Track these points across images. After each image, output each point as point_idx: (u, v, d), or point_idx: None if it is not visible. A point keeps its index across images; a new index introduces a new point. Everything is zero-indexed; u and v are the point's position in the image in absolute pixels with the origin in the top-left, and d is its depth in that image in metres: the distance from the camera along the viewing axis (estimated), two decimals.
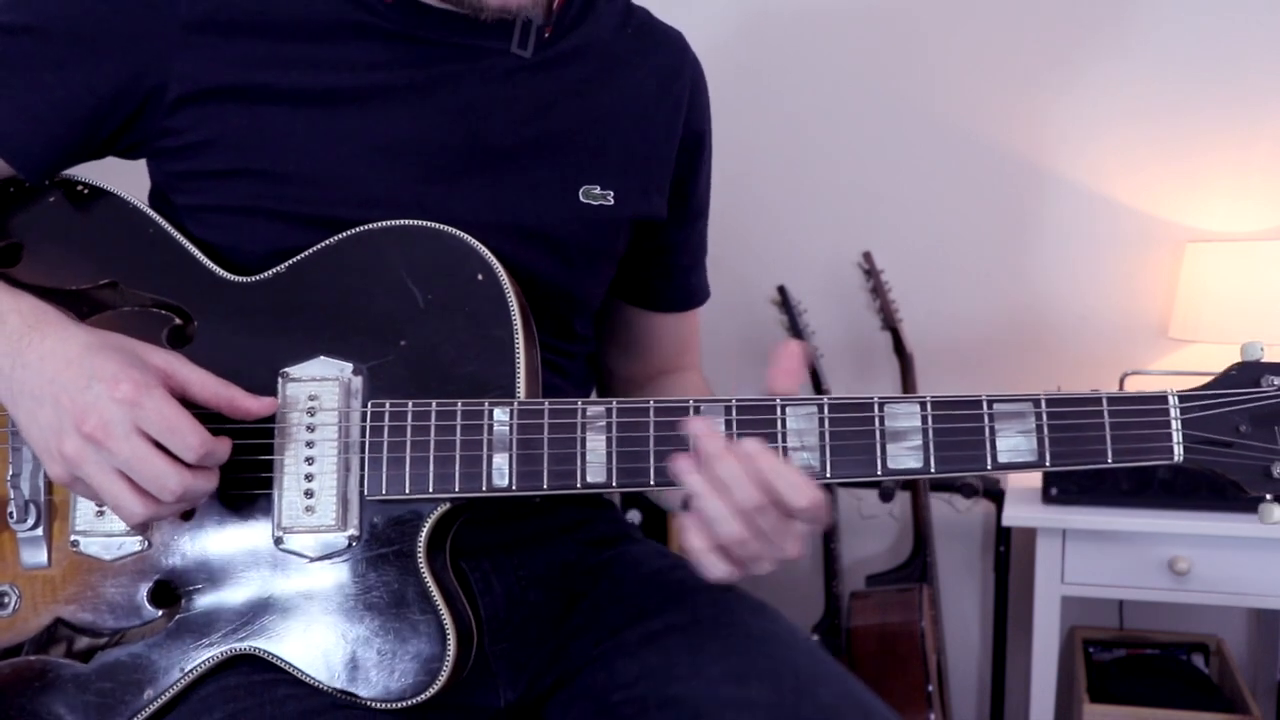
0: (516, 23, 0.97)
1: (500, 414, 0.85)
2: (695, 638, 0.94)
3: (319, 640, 0.87)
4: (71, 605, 0.90)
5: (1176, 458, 0.81)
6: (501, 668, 0.99)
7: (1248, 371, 0.83)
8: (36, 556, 0.91)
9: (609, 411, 0.84)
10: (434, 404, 0.86)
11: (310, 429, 0.88)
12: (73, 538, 0.90)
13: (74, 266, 0.94)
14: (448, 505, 0.87)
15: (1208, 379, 0.84)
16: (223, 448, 0.83)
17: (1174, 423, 0.81)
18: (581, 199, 1.01)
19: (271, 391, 0.88)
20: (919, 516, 2.23)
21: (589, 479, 0.84)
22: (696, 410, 0.84)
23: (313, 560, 0.87)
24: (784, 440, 0.83)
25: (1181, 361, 2.23)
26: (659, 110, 1.07)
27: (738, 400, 0.84)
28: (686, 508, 0.98)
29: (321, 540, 0.87)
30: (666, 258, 1.15)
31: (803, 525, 0.82)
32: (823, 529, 0.82)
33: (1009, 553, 2.24)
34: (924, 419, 0.82)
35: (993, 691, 2.33)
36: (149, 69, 0.92)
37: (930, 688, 2.01)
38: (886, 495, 2.07)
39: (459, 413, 0.86)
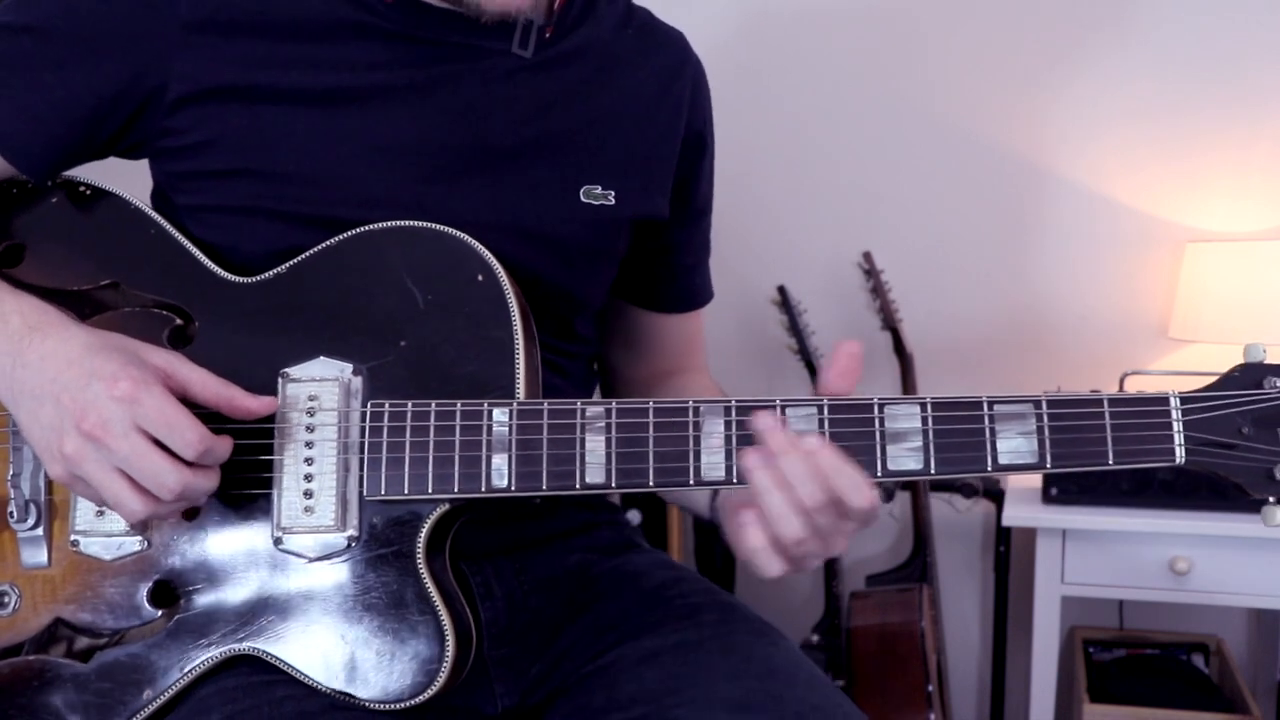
0: (517, 23, 0.97)
1: (499, 414, 0.85)
2: (697, 659, 0.93)
3: (317, 641, 0.87)
4: (71, 605, 0.90)
5: (1178, 459, 0.81)
6: (500, 673, 0.98)
7: (1250, 373, 0.82)
8: (36, 556, 0.91)
9: (608, 412, 0.84)
10: (433, 404, 0.86)
11: (310, 429, 0.88)
12: (73, 538, 0.90)
13: (76, 267, 0.94)
14: (447, 506, 0.86)
15: (1209, 379, 0.83)
16: (223, 446, 0.83)
17: (1175, 424, 0.81)
18: (582, 199, 1.00)
19: (272, 392, 0.88)
20: (919, 516, 2.23)
21: (588, 480, 0.84)
22: (696, 410, 0.83)
23: (312, 561, 0.87)
24: None
25: (1181, 361, 2.23)
26: (660, 110, 1.07)
27: (737, 401, 0.84)
28: (713, 506, 0.98)
29: (321, 541, 0.87)
30: (669, 258, 1.15)
31: (853, 524, 0.81)
32: (867, 528, 0.82)
33: (1009, 553, 2.24)
34: (924, 420, 0.82)
35: (993, 691, 2.33)
36: (149, 69, 0.92)
37: (930, 688, 2.01)
38: (887, 495, 2.07)
39: (458, 413, 0.86)
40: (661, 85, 1.07)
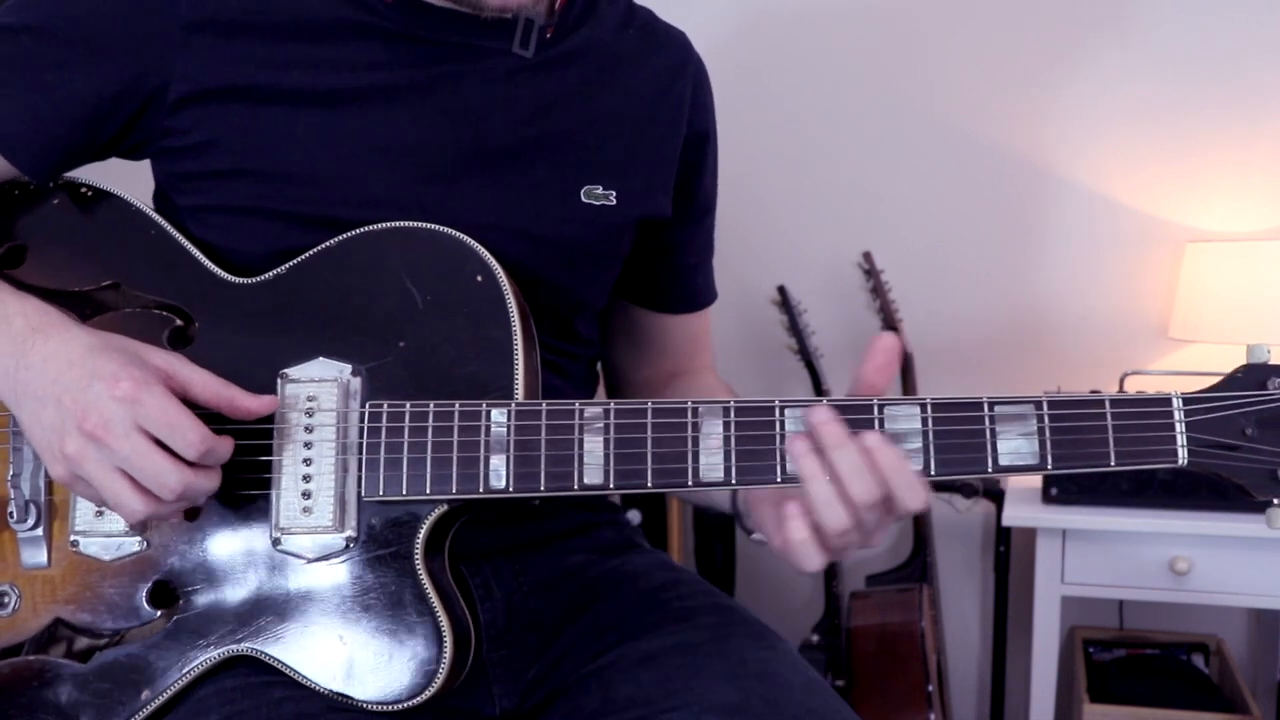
0: (518, 23, 0.97)
1: (498, 415, 0.85)
2: (694, 661, 0.93)
3: (315, 642, 0.86)
4: (71, 605, 0.90)
5: (1180, 461, 0.80)
6: (498, 675, 0.98)
7: (1254, 374, 0.81)
8: (36, 556, 0.91)
9: (606, 413, 0.84)
10: (431, 405, 0.86)
11: (308, 430, 0.87)
12: (72, 538, 0.90)
13: (77, 268, 0.94)
14: (445, 507, 0.86)
15: (1209, 380, 0.83)
16: (224, 446, 0.83)
17: (1178, 425, 0.80)
18: (583, 199, 1.00)
19: (271, 392, 0.88)
20: (919, 516, 2.23)
21: (586, 481, 0.84)
22: (694, 411, 0.83)
23: (310, 561, 0.87)
24: (782, 442, 0.82)
25: (1181, 361, 2.23)
26: (661, 110, 1.07)
27: (736, 402, 0.83)
28: (735, 500, 0.97)
29: (319, 541, 0.87)
30: (671, 257, 1.15)
31: (895, 519, 0.82)
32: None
33: (1009, 553, 2.24)
34: (924, 421, 0.81)
35: (993, 691, 2.33)
36: (151, 69, 0.92)
37: (930, 688, 2.01)
38: None
39: (456, 414, 0.86)
40: (662, 85, 1.07)
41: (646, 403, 0.84)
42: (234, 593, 0.88)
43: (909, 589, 2.14)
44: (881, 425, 0.81)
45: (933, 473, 0.82)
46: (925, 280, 2.35)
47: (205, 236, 0.95)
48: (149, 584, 0.89)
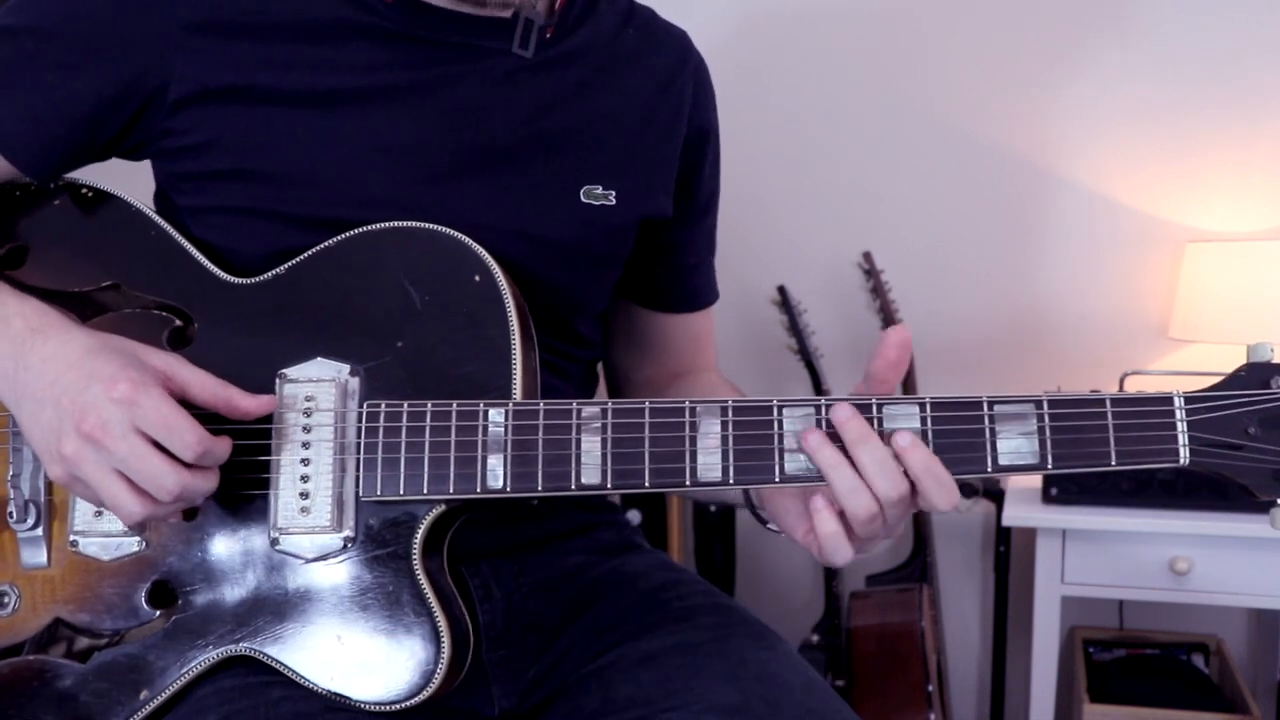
0: (518, 23, 0.97)
1: (495, 415, 0.85)
2: (694, 662, 0.93)
3: (313, 642, 0.86)
4: (70, 605, 0.90)
5: (1182, 460, 0.80)
6: (497, 675, 0.98)
7: (1256, 373, 0.81)
8: (36, 557, 0.91)
9: (604, 413, 0.84)
10: (429, 405, 0.86)
11: (307, 430, 0.87)
12: (71, 538, 0.90)
13: (77, 269, 0.94)
14: (443, 507, 0.86)
15: (1209, 379, 0.82)
16: (221, 447, 0.83)
17: (1179, 425, 0.80)
18: (582, 199, 1.00)
19: (270, 392, 0.88)
20: (919, 516, 2.23)
21: (584, 480, 0.83)
22: (692, 410, 0.83)
23: (308, 561, 0.87)
24: (780, 442, 0.82)
25: (1181, 361, 2.23)
26: (661, 109, 1.06)
27: (734, 401, 0.83)
28: (747, 492, 0.97)
29: (317, 541, 0.86)
30: (671, 257, 1.14)
31: (916, 509, 0.82)
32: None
33: (1009, 553, 2.24)
34: (923, 420, 0.81)
35: (993, 691, 2.33)
36: (150, 70, 0.92)
37: (930, 688, 2.01)
38: None
39: (454, 414, 0.85)
40: (662, 84, 1.07)
41: (644, 402, 0.84)
42: (232, 593, 0.88)
43: (909, 589, 2.14)
44: (881, 424, 0.81)
45: None
46: (925, 280, 2.35)
47: (205, 237, 0.95)
48: (148, 584, 0.89)
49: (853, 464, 0.80)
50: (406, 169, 0.95)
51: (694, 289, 1.19)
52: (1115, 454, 0.80)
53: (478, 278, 0.89)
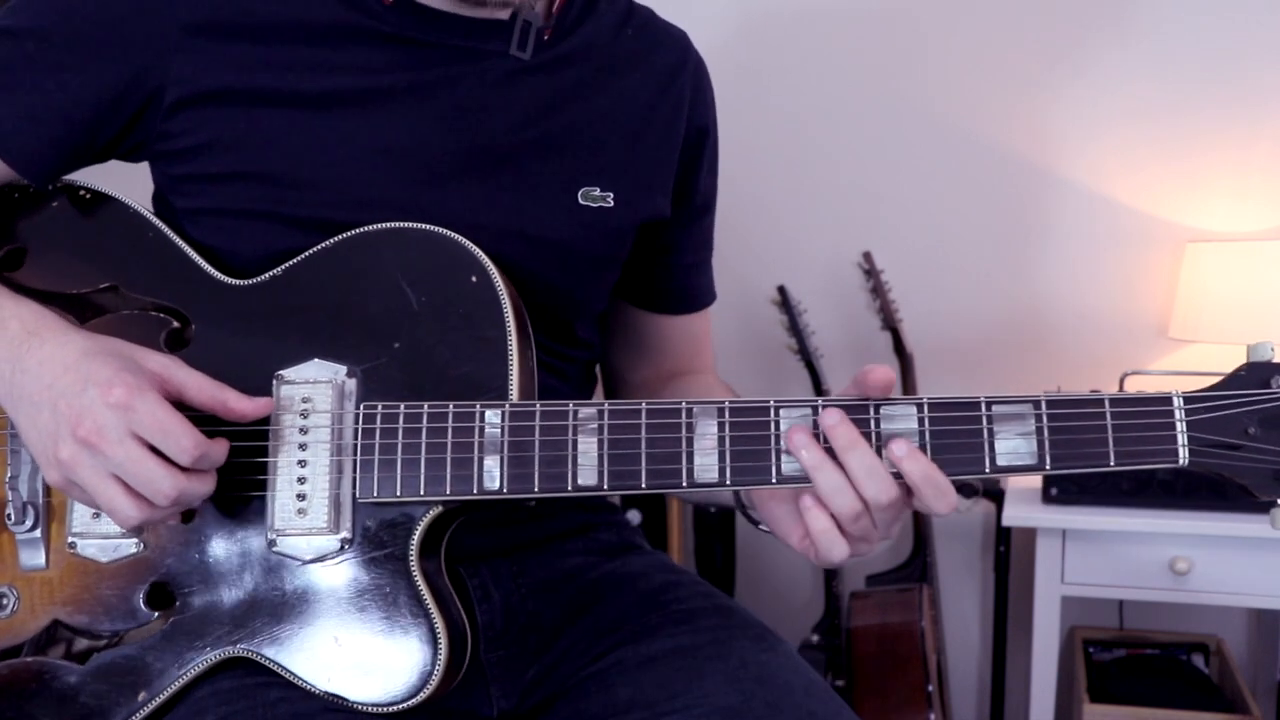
0: (516, 25, 0.97)
1: (492, 416, 0.85)
2: (694, 664, 0.93)
3: (311, 643, 0.86)
4: (69, 607, 0.90)
5: (1181, 460, 0.79)
6: (496, 676, 0.98)
7: (1256, 372, 0.80)
8: (34, 558, 0.91)
9: (601, 414, 0.84)
10: (425, 406, 0.86)
11: (303, 431, 0.87)
12: (69, 540, 0.90)
13: (75, 271, 0.94)
14: (440, 508, 0.86)
15: (1209, 379, 0.82)
16: (218, 450, 0.83)
17: (1179, 425, 0.79)
18: (580, 201, 1.00)
19: (267, 394, 0.88)
20: (918, 516, 2.23)
21: (580, 481, 0.83)
22: (689, 411, 0.83)
23: (306, 563, 0.87)
24: (777, 443, 0.82)
25: (1181, 361, 2.23)
26: (660, 109, 1.06)
27: (730, 402, 0.83)
28: (738, 493, 0.97)
29: (314, 543, 0.86)
30: (669, 257, 1.14)
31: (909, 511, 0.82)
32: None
33: (1009, 553, 2.24)
34: (921, 420, 0.81)
35: (993, 691, 2.33)
36: (148, 72, 0.92)
37: (930, 688, 2.01)
38: None
39: (450, 415, 0.85)
40: (661, 85, 1.07)
41: (641, 403, 0.84)
42: (230, 594, 0.88)
43: (909, 589, 2.14)
44: (878, 425, 0.81)
45: None
46: (925, 280, 2.35)
47: (203, 239, 0.95)
48: (146, 586, 0.89)
49: (841, 466, 0.80)
50: (404, 170, 0.95)
51: (691, 290, 1.18)
52: (1114, 454, 0.80)
53: (475, 279, 0.89)
